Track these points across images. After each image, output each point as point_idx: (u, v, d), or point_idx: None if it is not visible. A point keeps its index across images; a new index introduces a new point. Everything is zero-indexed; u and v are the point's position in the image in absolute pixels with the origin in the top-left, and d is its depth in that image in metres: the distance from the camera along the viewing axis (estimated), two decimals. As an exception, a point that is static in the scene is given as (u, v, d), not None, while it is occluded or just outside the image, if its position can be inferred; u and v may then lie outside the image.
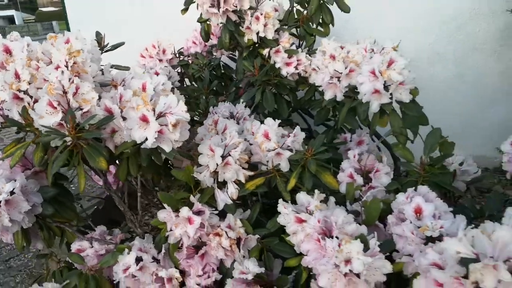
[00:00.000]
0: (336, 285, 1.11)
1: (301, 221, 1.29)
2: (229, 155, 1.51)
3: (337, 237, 1.18)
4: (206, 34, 2.19)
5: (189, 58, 2.61)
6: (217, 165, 1.49)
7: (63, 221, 1.53)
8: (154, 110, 1.33)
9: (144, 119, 1.29)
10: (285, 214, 1.34)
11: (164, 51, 2.51)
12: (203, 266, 1.51)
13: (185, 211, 1.43)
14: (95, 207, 2.48)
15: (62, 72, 1.32)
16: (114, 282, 1.53)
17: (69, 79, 1.30)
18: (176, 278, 1.49)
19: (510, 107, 2.93)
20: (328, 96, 1.70)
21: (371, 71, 1.42)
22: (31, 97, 1.38)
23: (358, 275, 1.09)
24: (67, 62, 1.36)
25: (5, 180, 1.32)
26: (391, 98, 1.43)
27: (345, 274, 1.09)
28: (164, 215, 1.47)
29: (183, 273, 1.54)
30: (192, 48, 2.57)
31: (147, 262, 1.49)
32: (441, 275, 0.88)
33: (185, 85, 2.64)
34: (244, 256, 1.48)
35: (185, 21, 2.32)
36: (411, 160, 1.46)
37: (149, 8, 3.28)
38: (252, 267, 1.39)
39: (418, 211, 1.21)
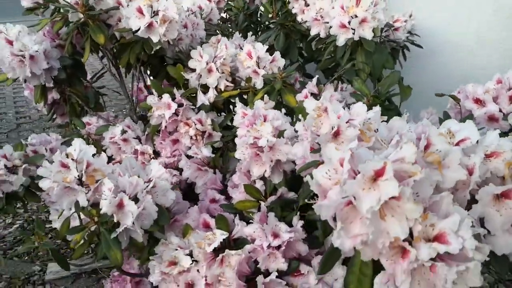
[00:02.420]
0: (246, 157, 1.34)
1: (244, 114, 1.52)
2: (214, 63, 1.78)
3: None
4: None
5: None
6: (202, 69, 1.76)
7: (75, 93, 1.90)
8: (151, 6, 1.64)
9: (140, 11, 1.60)
10: (238, 110, 1.58)
11: (214, -8, 2.80)
12: (173, 150, 1.80)
13: (166, 97, 1.73)
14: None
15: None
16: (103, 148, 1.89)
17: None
18: (149, 154, 1.80)
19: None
20: (313, 32, 1.88)
21: (341, 6, 1.59)
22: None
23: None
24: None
25: (35, 43, 1.70)
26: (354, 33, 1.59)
27: (254, 148, 1.32)
28: (151, 99, 1.77)
29: (158, 154, 1.85)
30: (239, -7, 2.83)
31: (129, 136, 1.82)
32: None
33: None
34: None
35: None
36: (367, 94, 1.62)
37: None
38: (204, 152, 1.66)
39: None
